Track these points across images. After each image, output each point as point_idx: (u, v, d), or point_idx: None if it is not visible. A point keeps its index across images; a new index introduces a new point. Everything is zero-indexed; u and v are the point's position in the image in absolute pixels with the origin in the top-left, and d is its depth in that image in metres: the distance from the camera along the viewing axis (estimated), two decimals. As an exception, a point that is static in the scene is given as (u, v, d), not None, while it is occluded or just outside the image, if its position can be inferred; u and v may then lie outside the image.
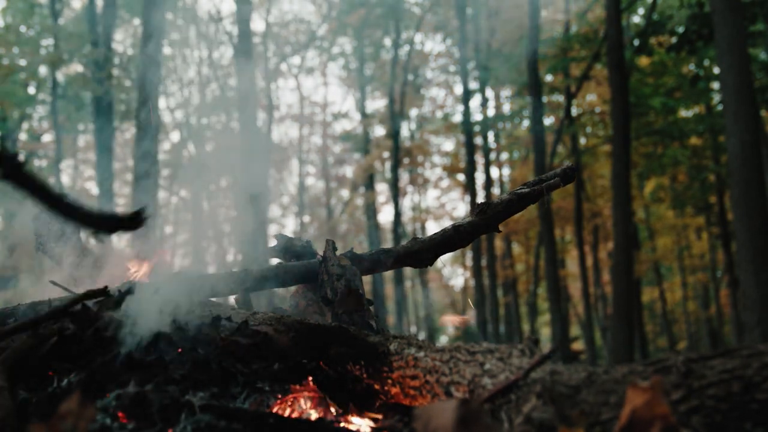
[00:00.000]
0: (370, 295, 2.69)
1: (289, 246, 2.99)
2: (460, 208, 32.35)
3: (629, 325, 12.43)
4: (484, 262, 21.04)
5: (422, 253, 2.75)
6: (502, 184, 27.37)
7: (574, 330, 27.21)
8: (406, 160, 27.52)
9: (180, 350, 1.87)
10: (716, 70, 16.14)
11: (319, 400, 1.84)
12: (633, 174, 18.28)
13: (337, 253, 2.69)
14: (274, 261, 2.98)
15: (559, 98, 22.56)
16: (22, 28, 20.32)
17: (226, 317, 2.12)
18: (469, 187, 20.54)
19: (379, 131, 29.12)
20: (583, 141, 23.77)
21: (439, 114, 28.81)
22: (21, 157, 1.49)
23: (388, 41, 27.08)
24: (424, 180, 30.43)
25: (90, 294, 1.84)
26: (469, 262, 26.64)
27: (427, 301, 28.83)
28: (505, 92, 25.22)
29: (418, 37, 26.75)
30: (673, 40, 14.39)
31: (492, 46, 22.72)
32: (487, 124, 22.99)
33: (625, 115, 12.92)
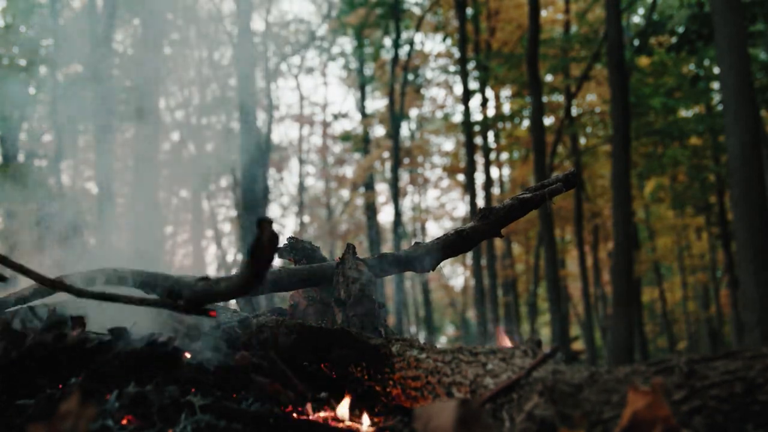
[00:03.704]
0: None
1: (299, 247, 3.02)
2: (460, 208, 32.39)
3: (629, 325, 12.44)
4: (484, 262, 21.03)
5: (425, 257, 2.76)
6: (502, 184, 27.38)
7: (574, 330, 27.22)
8: (406, 160, 27.52)
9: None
10: (716, 70, 16.15)
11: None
12: (633, 174, 18.29)
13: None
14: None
15: (559, 98, 22.57)
16: (22, 29, 20.32)
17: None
18: (469, 188, 20.52)
19: (379, 131, 29.15)
20: (583, 141, 23.78)
21: (439, 114, 28.83)
22: None
23: (388, 41, 27.10)
24: (424, 180, 30.45)
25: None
26: (469, 262, 26.66)
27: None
28: (505, 92, 25.23)
29: (418, 37, 26.76)
30: (673, 40, 14.39)
31: (492, 46, 22.73)
32: (487, 124, 22.98)
33: (625, 115, 12.92)
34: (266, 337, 2.09)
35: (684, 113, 21.12)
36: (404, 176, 28.80)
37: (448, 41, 24.99)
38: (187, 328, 2.13)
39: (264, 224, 1.32)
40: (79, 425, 1.10)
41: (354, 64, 29.96)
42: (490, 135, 24.18)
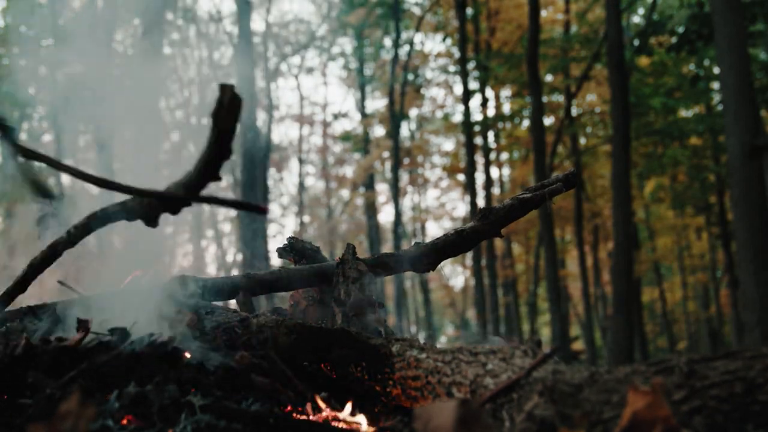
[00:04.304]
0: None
1: (299, 247, 3.02)
2: (460, 208, 32.39)
3: (629, 325, 12.44)
4: (484, 262, 21.03)
5: (424, 257, 2.76)
6: (502, 184, 27.38)
7: (574, 330, 27.23)
8: (406, 160, 27.53)
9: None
10: (716, 70, 16.15)
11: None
12: (633, 174, 18.29)
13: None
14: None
15: (559, 98, 22.57)
16: (22, 28, 20.31)
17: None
18: (469, 187, 20.52)
19: (379, 131, 29.16)
20: (583, 141, 23.79)
21: (439, 114, 28.84)
22: None
23: (388, 41, 27.11)
24: (424, 180, 30.45)
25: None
26: (469, 262, 26.66)
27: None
28: (505, 92, 25.23)
29: (418, 37, 26.76)
30: (673, 40, 14.39)
31: (492, 46, 22.73)
32: (487, 124, 22.98)
33: (625, 115, 12.92)
34: (266, 337, 2.09)
35: (684, 113, 21.12)
36: (404, 176, 28.81)
37: (448, 41, 24.99)
38: (188, 328, 2.13)
39: (225, 87, 1.32)
40: (79, 425, 1.10)
41: (354, 64, 29.97)
42: (490, 135, 24.18)
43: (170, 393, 1.59)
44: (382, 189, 30.56)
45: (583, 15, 20.57)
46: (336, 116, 32.12)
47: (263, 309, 2.93)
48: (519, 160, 25.75)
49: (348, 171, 31.21)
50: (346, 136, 30.79)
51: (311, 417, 1.79)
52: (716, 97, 19.23)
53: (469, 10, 21.58)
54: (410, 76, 26.08)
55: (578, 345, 25.53)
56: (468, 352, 1.66)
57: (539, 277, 23.25)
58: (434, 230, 32.82)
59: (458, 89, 26.11)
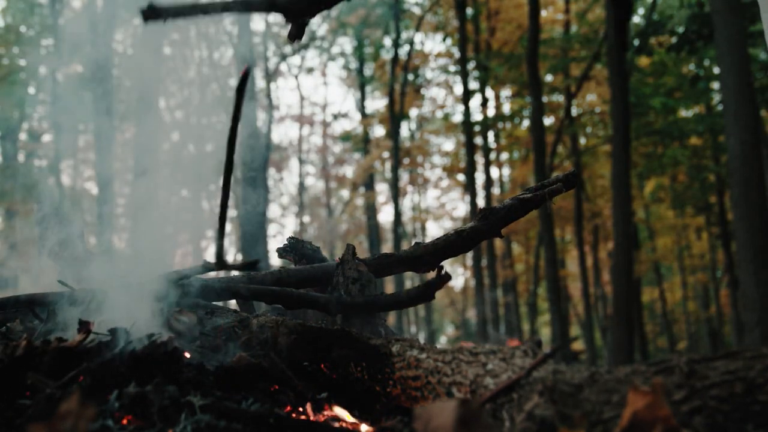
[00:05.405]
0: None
1: (299, 248, 3.02)
2: (460, 208, 32.37)
3: (629, 325, 12.44)
4: (484, 262, 21.03)
5: (425, 257, 2.76)
6: (502, 184, 27.38)
7: (574, 330, 27.22)
8: (406, 160, 27.52)
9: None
10: (716, 70, 16.15)
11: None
12: (633, 174, 18.28)
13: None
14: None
15: (559, 98, 22.56)
16: (22, 28, 20.32)
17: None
18: (469, 187, 20.51)
19: (379, 131, 29.15)
20: (583, 141, 23.78)
21: (439, 114, 28.83)
22: None
23: (388, 41, 27.10)
24: (424, 180, 30.45)
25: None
26: (469, 262, 26.65)
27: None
28: (505, 92, 25.23)
29: (418, 37, 26.75)
30: (673, 40, 14.40)
31: (492, 46, 22.72)
32: (487, 124, 22.98)
33: (625, 115, 12.92)
34: (266, 337, 2.09)
35: (684, 113, 21.11)
36: (404, 176, 28.80)
37: (448, 41, 24.99)
38: (187, 328, 2.13)
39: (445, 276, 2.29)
40: (79, 425, 1.10)
41: (354, 64, 29.96)
42: (490, 135, 24.18)
43: (170, 393, 1.59)
44: (382, 189, 30.58)
45: (583, 15, 20.57)
46: (336, 116, 32.13)
47: (263, 309, 2.93)
48: (519, 160, 25.75)
49: (348, 171, 31.22)
50: (346, 136, 30.79)
51: (311, 417, 1.79)
52: (716, 97, 19.23)
53: (469, 10, 21.58)
54: (410, 76, 26.07)
55: (578, 345, 25.51)
56: (468, 352, 1.66)
57: (539, 277, 23.25)
58: (434, 230, 32.82)
59: (458, 89, 26.11)
